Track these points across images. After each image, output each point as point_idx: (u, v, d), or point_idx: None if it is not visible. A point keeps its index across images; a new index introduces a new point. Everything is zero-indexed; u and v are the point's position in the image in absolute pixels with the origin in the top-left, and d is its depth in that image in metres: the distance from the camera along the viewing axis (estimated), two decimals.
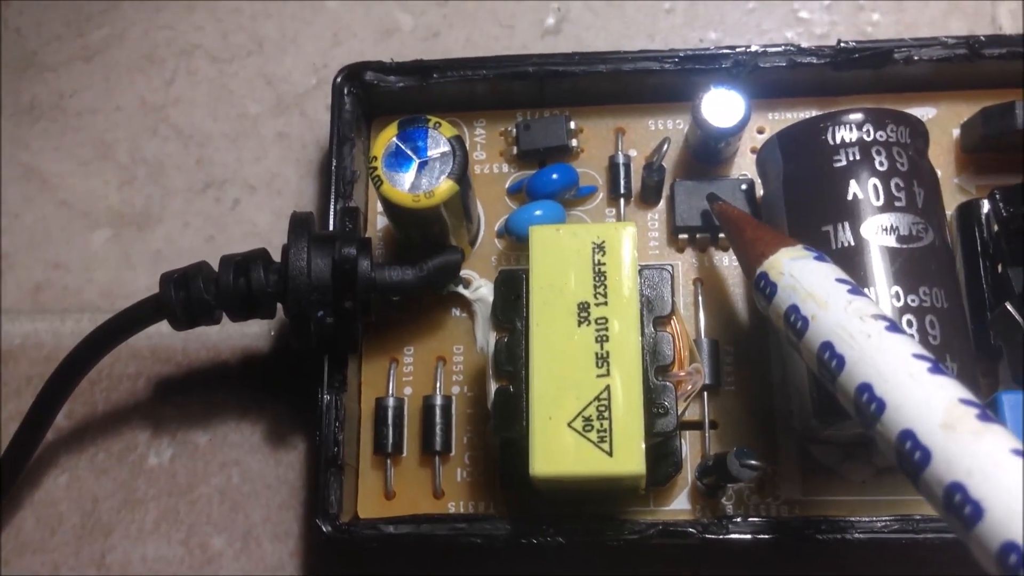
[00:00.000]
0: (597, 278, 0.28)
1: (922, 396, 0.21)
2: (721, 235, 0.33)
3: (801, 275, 0.25)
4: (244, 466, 0.35)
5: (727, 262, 0.33)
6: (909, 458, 0.20)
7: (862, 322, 0.23)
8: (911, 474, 0.20)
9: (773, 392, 0.32)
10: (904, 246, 0.28)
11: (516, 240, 0.33)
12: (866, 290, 0.27)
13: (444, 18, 0.39)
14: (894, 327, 0.23)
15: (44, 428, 0.33)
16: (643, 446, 0.26)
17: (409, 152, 0.30)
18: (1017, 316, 0.28)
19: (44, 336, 0.37)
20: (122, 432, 0.35)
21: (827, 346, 0.23)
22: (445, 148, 0.30)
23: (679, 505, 0.31)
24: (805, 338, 0.24)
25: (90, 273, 0.37)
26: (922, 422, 0.20)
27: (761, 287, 0.26)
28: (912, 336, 0.25)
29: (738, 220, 0.29)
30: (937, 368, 0.21)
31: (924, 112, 0.33)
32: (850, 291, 0.24)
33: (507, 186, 0.35)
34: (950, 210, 0.31)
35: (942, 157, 0.33)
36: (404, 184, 0.29)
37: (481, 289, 0.33)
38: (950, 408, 0.20)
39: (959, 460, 0.19)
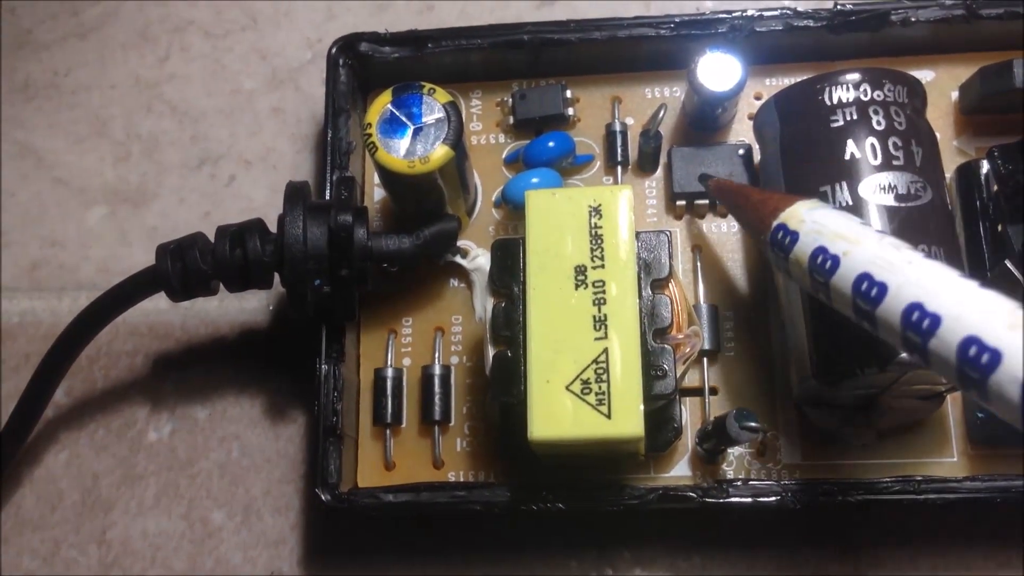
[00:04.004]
0: (594, 241, 0.28)
1: (981, 304, 0.20)
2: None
3: (825, 220, 0.25)
4: (244, 440, 0.35)
5: (725, 228, 0.33)
6: (974, 365, 0.20)
7: (899, 251, 0.23)
8: (977, 382, 0.20)
9: (773, 358, 0.32)
10: (902, 204, 0.28)
11: (513, 209, 0.33)
12: None
13: None
14: (932, 257, 0.23)
15: (43, 402, 0.33)
16: (641, 408, 0.26)
17: (404, 118, 0.30)
18: (1016, 272, 0.27)
19: (42, 314, 0.37)
20: (121, 408, 0.35)
21: (864, 277, 0.23)
22: (440, 114, 0.30)
23: (680, 472, 0.31)
24: (837, 276, 0.24)
25: (86, 250, 0.37)
26: (987, 326, 0.20)
27: (779, 239, 0.26)
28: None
29: (740, 188, 0.29)
30: (987, 284, 0.21)
31: (922, 75, 0.33)
32: (879, 231, 0.24)
33: (504, 156, 0.35)
34: (949, 172, 0.31)
35: (941, 120, 0.33)
36: (399, 150, 0.29)
37: (479, 259, 0.33)
38: (1013, 311, 0.20)
39: None
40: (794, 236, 0.25)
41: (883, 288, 0.22)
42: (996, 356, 0.19)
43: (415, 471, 0.32)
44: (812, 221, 0.25)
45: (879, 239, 0.24)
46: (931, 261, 0.22)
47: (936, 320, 0.21)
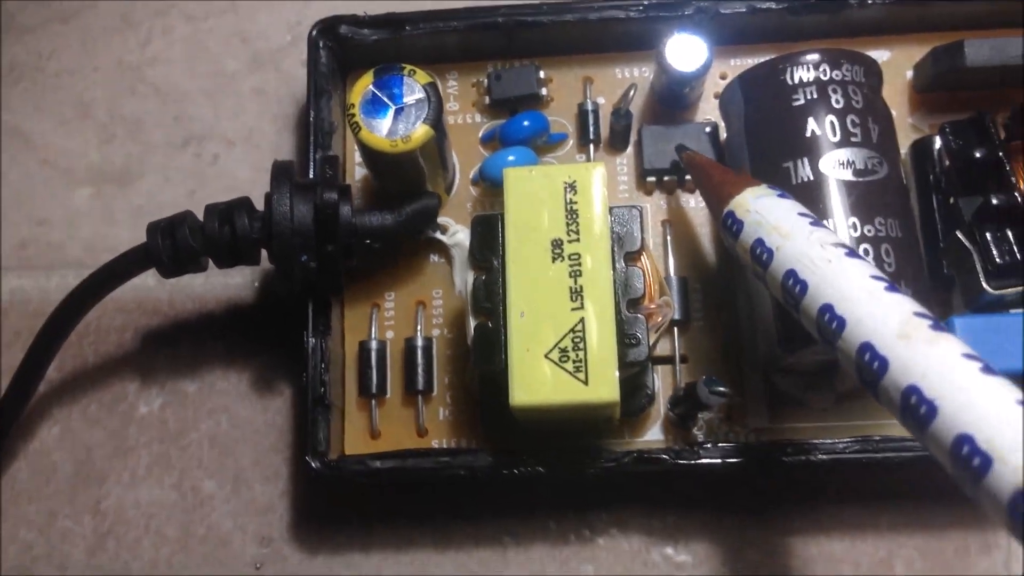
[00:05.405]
0: (569, 216, 0.29)
1: (879, 311, 0.22)
2: (687, 178, 0.34)
3: (766, 211, 0.27)
4: (232, 412, 0.36)
5: (693, 204, 0.35)
6: (868, 369, 0.22)
7: (823, 249, 0.24)
8: (870, 384, 0.22)
9: (739, 327, 0.33)
10: (860, 179, 0.29)
11: (490, 186, 0.34)
12: (826, 222, 0.29)
13: None
14: (852, 253, 0.24)
15: (37, 379, 0.34)
16: (617, 374, 0.28)
17: (385, 99, 0.31)
18: (967, 243, 0.29)
19: (31, 292, 0.37)
20: (112, 383, 0.36)
21: (791, 273, 0.25)
22: (420, 95, 0.31)
23: (652, 436, 0.33)
24: (771, 268, 0.26)
25: (74, 229, 0.38)
26: (879, 335, 0.22)
27: (728, 225, 0.28)
28: (870, 263, 0.26)
29: (705, 166, 0.31)
30: (893, 287, 0.23)
31: (879, 55, 0.35)
32: (812, 223, 0.26)
33: (480, 135, 0.36)
34: (904, 148, 0.33)
35: (896, 98, 0.35)
36: (382, 130, 0.30)
37: (458, 235, 0.34)
38: (905, 320, 0.21)
39: (914, 365, 0.21)
40: (740, 224, 0.27)
41: (804, 286, 0.24)
42: (884, 364, 0.21)
43: (400, 439, 0.33)
44: (755, 211, 0.27)
45: (808, 234, 0.25)
46: (850, 260, 0.24)
47: (842, 323, 0.23)
